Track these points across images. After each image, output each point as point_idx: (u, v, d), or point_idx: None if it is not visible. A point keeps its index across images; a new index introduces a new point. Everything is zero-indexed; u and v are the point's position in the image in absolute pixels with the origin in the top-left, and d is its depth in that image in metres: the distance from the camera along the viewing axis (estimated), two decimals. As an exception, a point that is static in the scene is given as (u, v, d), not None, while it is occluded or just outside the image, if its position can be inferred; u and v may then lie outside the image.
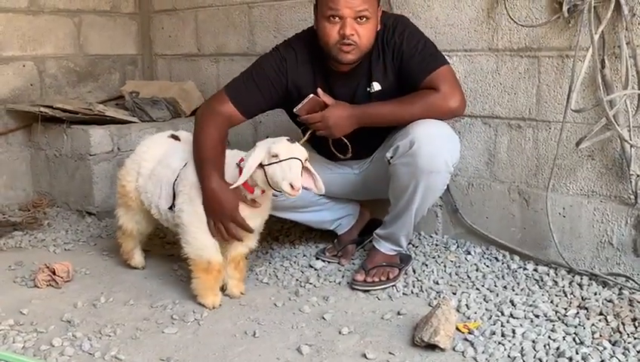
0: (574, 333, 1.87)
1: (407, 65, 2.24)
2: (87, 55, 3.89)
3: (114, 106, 3.62)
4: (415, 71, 2.22)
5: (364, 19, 2.14)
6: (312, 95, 2.23)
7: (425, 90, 2.20)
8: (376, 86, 2.29)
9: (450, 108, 2.19)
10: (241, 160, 2.10)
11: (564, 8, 2.21)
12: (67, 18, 3.77)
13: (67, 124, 3.33)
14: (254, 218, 2.17)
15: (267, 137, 2.13)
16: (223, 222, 2.12)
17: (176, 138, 2.45)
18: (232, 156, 2.20)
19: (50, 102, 3.44)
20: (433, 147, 2.13)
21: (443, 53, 2.31)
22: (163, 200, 2.27)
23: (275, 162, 1.96)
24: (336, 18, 2.15)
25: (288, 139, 2.02)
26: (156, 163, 2.35)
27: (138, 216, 2.44)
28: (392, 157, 2.22)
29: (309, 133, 2.28)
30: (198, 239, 2.14)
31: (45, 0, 3.67)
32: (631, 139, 2.14)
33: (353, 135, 2.28)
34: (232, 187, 2.04)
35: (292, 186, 1.94)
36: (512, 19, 2.36)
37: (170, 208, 2.24)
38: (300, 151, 2.00)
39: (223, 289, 2.23)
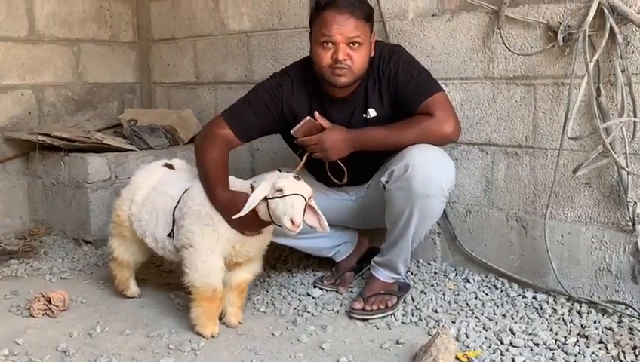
0: (574, 362, 1.86)
1: (402, 92, 2.27)
2: (86, 83, 3.91)
3: (112, 134, 3.63)
4: (410, 98, 2.25)
5: (357, 44, 2.20)
6: (308, 117, 2.26)
7: (420, 115, 2.23)
8: (372, 112, 2.31)
9: (444, 133, 2.21)
10: (254, 182, 2.13)
11: (559, 37, 2.23)
12: (66, 47, 3.80)
13: (65, 152, 3.33)
14: (255, 242, 2.17)
15: (279, 170, 2.13)
16: (242, 225, 2.11)
17: (170, 166, 2.45)
18: (239, 182, 2.23)
19: (48, 130, 3.45)
20: (428, 171, 2.13)
21: (439, 82, 2.34)
22: (160, 228, 2.26)
23: (279, 196, 1.97)
24: (330, 44, 2.20)
25: (295, 176, 2.03)
26: (150, 190, 2.35)
27: (133, 246, 2.43)
28: (387, 182, 2.23)
29: (306, 156, 2.28)
30: (207, 262, 2.11)
31: (45, 29, 3.70)
32: (627, 167, 2.15)
33: (349, 160, 2.29)
34: (236, 216, 2.02)
35: (292, 222, 1.94)
36: (507, 47, 2.39)
37: (169, 235, 2.23)
38: (304, 188, 2.00)
39: (220, 317, 2.21)
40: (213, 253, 2.11)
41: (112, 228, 2.46)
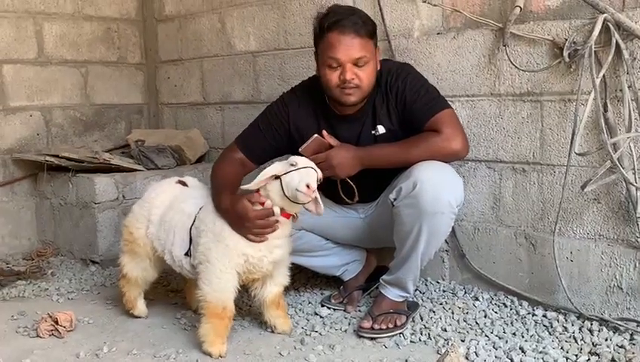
0: (586, 381, 1.83)
1: (410, 109, 2.27)
2: (94, 105, 3.94)
3: (120, 155, 3.64)
4: (418, 114, 2.25)
5: (363, 63, 2.21)
6: (316, 135, 2.26)
7: (427, 132, 2.23)
8: (381, 129, 2.32)
9: (452, 150, 2.21)
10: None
11: (565, 53, 2.23)
12: (74, 69, 3.84)
13: (73, 173, 3.35)
14: (275, 248, 2.17)
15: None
16: (251, 230, 2.13)
17: (183, 184, 2.46)
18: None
19: (56, 151, 3.47)
20: (436, 188, 2.13)
21: (446, 98, 2.34)
22: (177, 246, 2.27)
23: (294, 169, 2.04)
24: (337, 65, 2.21)
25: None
26: (166, 209, 2.35)
27: (145, 263, 2.42)
28: (395, 199, 2.22)
29: None
30: (222, 279, 2.12)
31: (53, 51, 3.74)
32: (636, 182, 2.13)
33: (359, 178, 2.29)
34: (244, 187, 2.10)
35: (308, 186, 2.00)
36: (513, 64, 2.39)
37: (186, 254, 2.23)
38: (315, 168, 2.09)
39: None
40: (227, 270, 2.12)
41: (124, 245, 2.46)
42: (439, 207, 2.14)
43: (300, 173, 2.03)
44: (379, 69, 2.30)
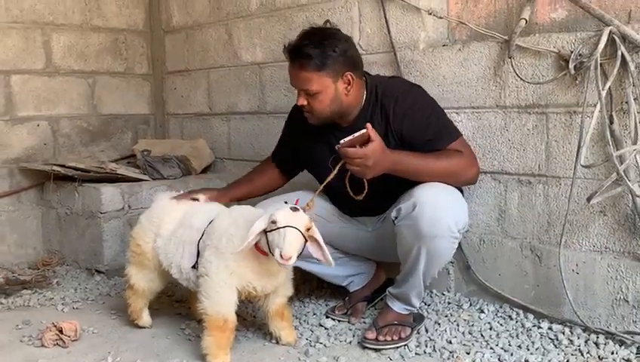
0: (592, 394, 1.82)
1: (418, 136, 2.26)
2: (101, 115, 3.96)
3: (126, 165, 3.66)
4: (429, 143, 2.24)
5: (313, 93, 2.27)
6: (363, 130, 2.09)
7: (451, 150, 2.24)
8: None
9: (473, 174, 2.29)
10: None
11: (571, 65, 2.23)
12: (82, 79, 3.86)
13: (79, 183, 3.36)
14: (268, 280, 2.16)
15: (286, 203, 2.08)
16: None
17: (195, 200, 2.48)
18: (254, 210, 2.25)
19: (63, 160, 3.49)
20: (436, 211, 2.11)
21: (451, 111, 2.36)
22: (185, 259, 2.26)
23: (274, 229, 1.96)
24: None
25: (292, 207, 1.99)
26: (177, 225, 2.35)
27: (152, 274, 2.42)
28: (395, 218, 2.22)
29: (339, 165, 2.16)
30: (220, 293, 2.11)
31: (61, 62, 3.77)
32: (643, 195, 2.13)
33: (371, 182, 2.21)
34: (237, 250, 2.02)
35: (281, 256, 1.92)
36: (518, 76, 2.39)
37: (194, 267, 2.23)
38: (299, 220, 1.97)
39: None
40: (227, 285, 2.12)
41: (131, 256, 2.45)
42: (438, 230, 2.12)
43: (279, 235, 1.93)
44: (366, 87, 2.35)
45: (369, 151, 2.06)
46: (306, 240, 2.00)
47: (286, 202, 2.07)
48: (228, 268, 2.10)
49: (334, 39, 2.29)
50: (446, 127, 2.31)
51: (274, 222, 1.96)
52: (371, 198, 2.26)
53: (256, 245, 2.05)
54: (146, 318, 2.51)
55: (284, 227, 1.94)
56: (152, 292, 2.47)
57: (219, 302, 2.11)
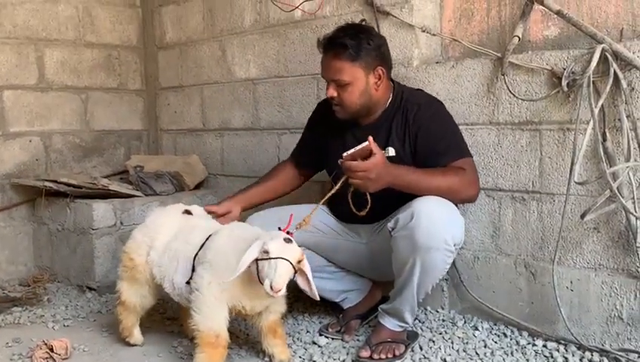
0: (588, 413, 1.81)
1: (432, 145, 2.28)
2: (93, 130, 3.95)
3: (118, 181, 3.64)
4: (440, 153, 2.26)
5: (343, 84, 2.30)
6: (365, 143, 2.10)
7: (455, 166, 2.25)
8: (391, 151, 2.22)
9: (472, 193, 2.30)
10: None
11: (564, 83, 2.24)
12: (75, 95, 3.86)
13: (71, 199, 3.34)
14: (260, 300, 2.14)
15: (279, 228, 2.08)
16: None
17: (188, 213, 2.45)
18: (251, 230, 2.22)
19: (55, 176, 3.47)
20: (433, 223, 2.11)
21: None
22: (179, 274, 2.24)
23: (265, 258, 1.95)
24: (325, 80, 2.37)
25: (285, 239, 1.99)
26: (171, 238, 2.33)
27: (143, 289, 2.39)
28: (393, 229, 2.21)
29: (342, 180, 2.15)
30: (212, 308, 2.10)
31: (54, 77, 3.76)
32: (636, 211, 2.13)
33: (373, 194, 2.21)
34: (231, 278, 2.00)
35: (271, 287, 1.92)
36: (512, 93, 2.40)
37: (188, 282, 2.21)
38: (292, 252, 1.98)
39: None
40: (218, 301, 2.10)
41: (123, 271, 2.42)
42: (434, 242, 2.12)
43: (270, 266, 1.93)
44: (393, 90, 2.41)
45: (371, 165, 2.07)
46: (296, 272, 2.00)
47: (280, 228, 2.06)
48: (220, 285, 2.09)
49: (370, 33, 2.38)
50: (457, 144, 2.33)
51: (266, 252, 1.95)
52: (371, 209, 2.25)
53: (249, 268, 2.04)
54: (137, 336, 2.48)
55: (276, 258, 1.94)
56: (143, 308, 2.44)
57: (210, 317, 2.09)
